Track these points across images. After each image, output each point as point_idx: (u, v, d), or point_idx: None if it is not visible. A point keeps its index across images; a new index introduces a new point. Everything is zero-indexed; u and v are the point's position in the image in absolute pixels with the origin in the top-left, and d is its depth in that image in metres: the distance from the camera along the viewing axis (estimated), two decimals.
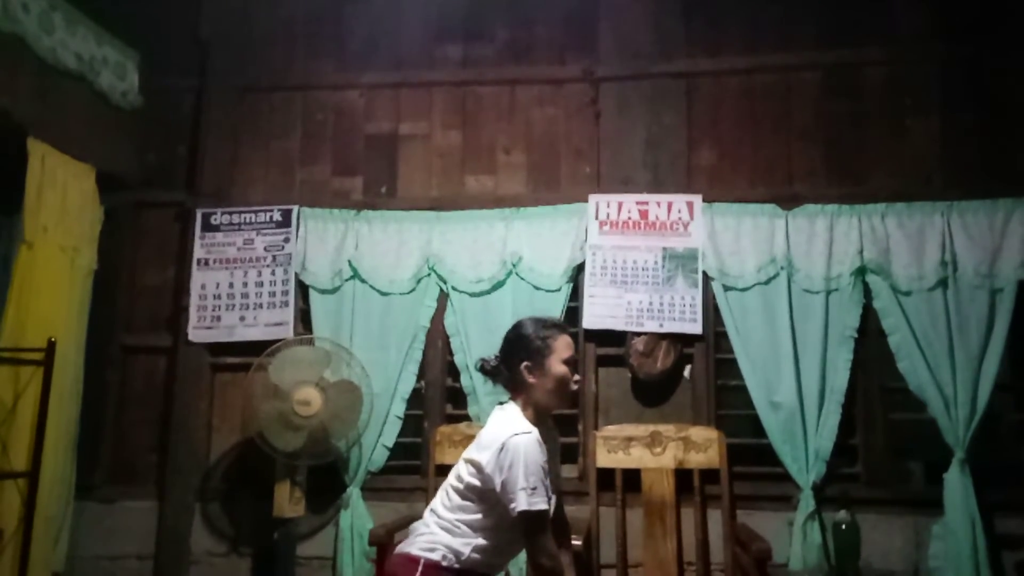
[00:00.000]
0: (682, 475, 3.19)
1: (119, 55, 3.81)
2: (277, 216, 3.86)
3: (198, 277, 3.84)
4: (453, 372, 3.72)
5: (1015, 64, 3.58)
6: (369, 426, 3.52)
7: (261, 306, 3.79)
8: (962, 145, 3.57)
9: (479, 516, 2.13)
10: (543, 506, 2.05)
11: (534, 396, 2.22)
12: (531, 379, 2.21)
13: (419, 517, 3.21)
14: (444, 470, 3.27)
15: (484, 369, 2.31)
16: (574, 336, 2.84)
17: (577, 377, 2.28)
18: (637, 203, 3.67)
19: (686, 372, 3.60)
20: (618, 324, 3.58)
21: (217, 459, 3.79)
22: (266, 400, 3.39)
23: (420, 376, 3.70)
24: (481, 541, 2.13)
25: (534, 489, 2.04)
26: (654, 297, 3.58)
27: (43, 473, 3.19)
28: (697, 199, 3.64)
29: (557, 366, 2.22)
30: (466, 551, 2.11)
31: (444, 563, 2.10)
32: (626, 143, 3.79)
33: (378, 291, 3.73)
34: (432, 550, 2.11)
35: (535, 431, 2.14)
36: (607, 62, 3.86)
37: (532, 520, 2.05)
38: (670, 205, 3.65)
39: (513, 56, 3.96)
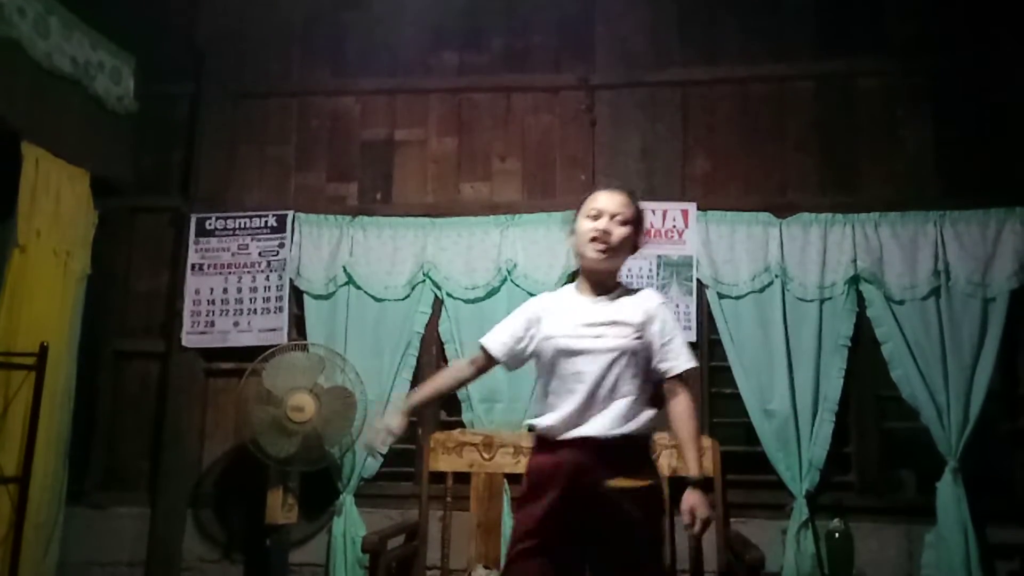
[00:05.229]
0: (675, 483, 3.18)
1: (115, 60, 3.80)
2: (272, 221, 3.86)
3: (192, 282, 3.83)
4: None
5: (1008, 74, 3.61)
6: (363, 432, 3.50)
7: (255, 312, 3.78)
8: (955, 155, 3.58)
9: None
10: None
11: (579, 260, 2.23)
12: (571, 242, 2.24)
13: (412, 524, 3.28)
14: (438, 477, 3.31)
15: None
16: None
17: (596, 225, 2.14)
18: None
19: None
20: None
21: (210, 465, 3.78)
22: (259, 406, 3.38)
23: (414, 383, 3.68)
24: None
25: None
26: None
27: (34, 479, 3.17)
28: (692, 207, 3.65)
29: (581, 222, 2.19)
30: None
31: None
32: (621, 151, 3.80)
33: (373, 297, 3.73)
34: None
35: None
36: (603, 70, 3.87)
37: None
38: (665, 213, 3.66)
39: (509, 64, 3.96)
